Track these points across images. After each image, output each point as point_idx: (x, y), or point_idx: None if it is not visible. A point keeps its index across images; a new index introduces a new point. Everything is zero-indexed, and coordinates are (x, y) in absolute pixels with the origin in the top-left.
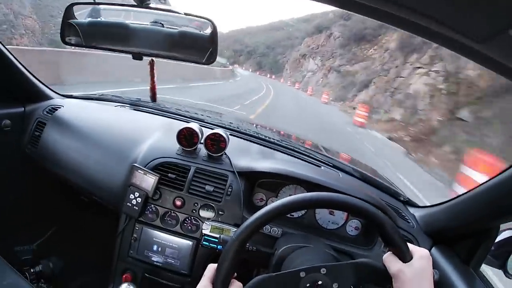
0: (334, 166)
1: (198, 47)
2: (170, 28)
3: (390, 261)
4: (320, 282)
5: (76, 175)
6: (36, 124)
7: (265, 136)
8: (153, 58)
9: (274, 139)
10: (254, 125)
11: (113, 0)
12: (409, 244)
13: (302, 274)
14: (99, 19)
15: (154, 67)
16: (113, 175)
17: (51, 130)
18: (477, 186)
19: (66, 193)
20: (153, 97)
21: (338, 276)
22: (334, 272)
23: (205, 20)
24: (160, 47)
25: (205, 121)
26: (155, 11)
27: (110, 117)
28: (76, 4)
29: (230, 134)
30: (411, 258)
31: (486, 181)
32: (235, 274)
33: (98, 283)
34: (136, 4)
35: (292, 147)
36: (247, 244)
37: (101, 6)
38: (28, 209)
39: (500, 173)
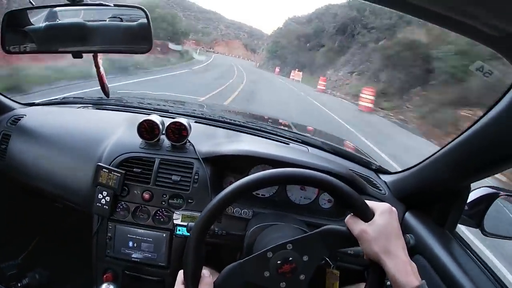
0: (303, 142)
1: (135, 37)
2: (121, 22)
3: (352, 223)
4: (290, 258)
5: (46, 182)
6: (0, 137)
7: (231, 120)
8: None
9: (240, 122)
10: (220, 109)
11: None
12: (369, 202)
13: (270, 254)
14: (56, 21)
15: (98, 58)
16: (81, 177)
17: (17, 141)
18: (443, 147)
19: (41, 202)
20: (104, 90)
21: (306, 248)
22: (301, 245)
23: (137, 9)
24: (107, 42)
25: (169, 111)
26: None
27: (73, 120)
28: (11, 12)
29: (195, 122)
30: (372, 216)
31: (450, 142)
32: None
33: (85, 286)
34: (69, 3)
35: (258, 128)
36: (216, 229)
37: (57, 8)
38: (8, 224)
39: (462, 133)
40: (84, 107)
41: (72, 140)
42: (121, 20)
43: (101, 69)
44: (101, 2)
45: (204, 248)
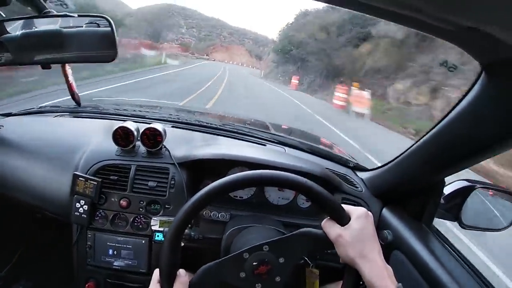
0: (280, 142)
1: (100, 45)
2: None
3: (328, 226)
4: (266, 260)
5: (25, 193)
6: None
7: (207, 123)
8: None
9: (216, 125)
10: (196, 113)
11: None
12: (345, 206)
13: (246, 255)
14: (33, 29)
15: (67, 67)
16: (58, 187)
17: None
18: (415, 142)
19: (22, 214)
20: (74, 98)
21: (282, 250)
22: (277, 247)
23: (101, 18)
24: (73, 52)
25: (146, 116)
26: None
27: (50, 129)
28: None
29: (172, 126)
30: (348, 220)
31: (422, 137)
32: (179, 269)
33: None
34: (36, 15)
35: (235, 130)
36: (192, 234)
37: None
38: None
39: (432, 128)
40: (61, 115)
41: (49, 149)
42: (98, 25)
43: (70, 78)
44: (66, 13)
45: (180, 249)
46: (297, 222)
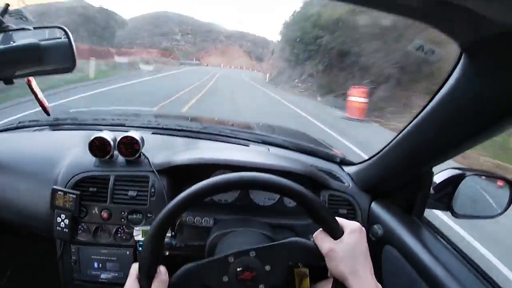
0: (263, 142)
1: (57, 57)
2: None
3: (320, 239)
4: (251, 266)
5: (9, 211)
6: None
7: (188, 127)
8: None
9: (197, 129)
10: (177, 117)
11: None
12: (339, 219)
13: (231, 259)
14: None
15: (32, 81)
16: (39, 202)
17: None
18: (399, 133)
19: (9, 232)
20: (45, 110)
21: (269, 258)
22: (264, 254)
23: (58, 29)
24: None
25: (125, 125)
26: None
27: (29, 144)
28: None
29: (152, 133)
30: (342, 233)
31: (405, 127)
32: (159, 266)
33: None
34: None
35: (217, 132)
36: (173, 242)
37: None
38: None
39: (414, 118)
40: (40, 129)
41: (28, 165)
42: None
43: (37, 90)
44: (23, 27)
45: (162, 246)
46: (284, 223)
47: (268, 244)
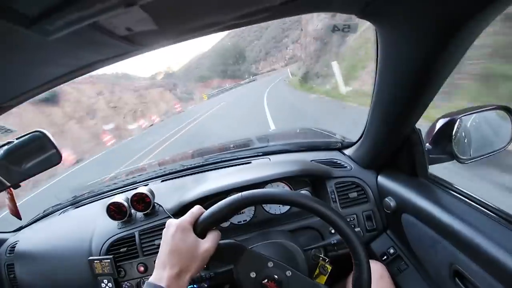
0: (264, 153)
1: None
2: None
3: None
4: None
5: None
6: (6, 269)
7: (192, 165)
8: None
9: (200, 163)
10: (179, 159)
11: None
12: None
13: (270, 264)
14: None
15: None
16: (83, 275)
17: (21, 266)
18: (371, 103)
19: None
20: (17, 217)
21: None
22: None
23: (37, 133)
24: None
25: (136, 182)
26: None
27: (59, 228)
28: None
29: (162, 181)
30: None
31: (372, 97)
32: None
33: None
34: None
35: (219, 160)
36: (202, 274)
37: None
38: None
39: (373, 87)
40: (64, 211)
41: (64, 246)
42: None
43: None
44: (8, 140)
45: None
46: (302, 224)
47: (304, 277)
